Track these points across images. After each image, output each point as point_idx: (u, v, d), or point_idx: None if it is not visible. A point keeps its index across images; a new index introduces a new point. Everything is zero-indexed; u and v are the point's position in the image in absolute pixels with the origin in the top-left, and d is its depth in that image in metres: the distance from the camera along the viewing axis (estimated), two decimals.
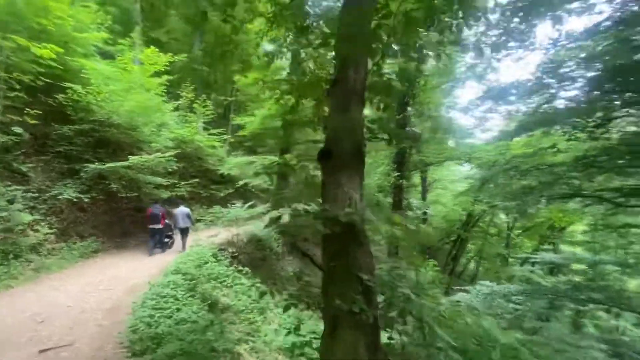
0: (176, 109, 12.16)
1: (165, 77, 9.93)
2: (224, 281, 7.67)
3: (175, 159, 10.16)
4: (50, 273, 6.79)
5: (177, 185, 10.78)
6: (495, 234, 18.91)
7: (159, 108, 10.28)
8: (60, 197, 7.89)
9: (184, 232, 9.30)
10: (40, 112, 7.65)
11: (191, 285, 6.12)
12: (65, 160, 8.72)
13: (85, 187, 8.55)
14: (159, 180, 9.61)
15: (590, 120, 5.63)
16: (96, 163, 8.37)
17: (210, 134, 14.44)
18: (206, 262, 7.81)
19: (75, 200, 8.10)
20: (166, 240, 9.48)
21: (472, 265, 19.92)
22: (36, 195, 7.55)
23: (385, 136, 3.08)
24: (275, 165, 12.68)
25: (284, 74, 18.38)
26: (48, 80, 7.74)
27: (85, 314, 5.12)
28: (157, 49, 9.51)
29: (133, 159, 8.54)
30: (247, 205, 10.15)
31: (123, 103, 9.07)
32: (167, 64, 9.92)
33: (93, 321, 4.80)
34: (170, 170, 10.67)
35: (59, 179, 8.40)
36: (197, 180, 12.56)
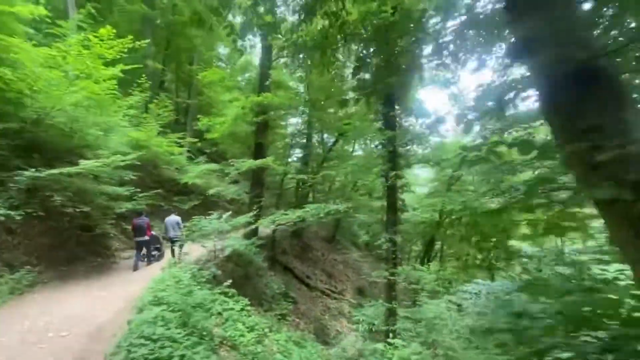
0: (131, 107, 10.26)
1: (121, 66, 8.21)
2: (211, 308, 6.37)
3: (136, 162, 8.46)
4: None
5: (136, 196, 9.00)
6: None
7: (112, 103, 8.47)
8: None
9: (174, 242, 8.69)
10: None
11: (182, 319, 4.75)
12: None
13: (14, 202, 6.56)
14: (119, 190, 7.82)
15: None
16: (32, 170, 6.46)
17: (169, 140, 12.63)
18: (188, 286, 6.38)
19: (1, 219, 6.12)
20: (154, 252, 8.89)
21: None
22: None
23: None
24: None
25: (248, 75, 17.08)
26: None
27: None
28: (113, 29, 7.74)
29: (85, 164, 6.75)
30: (225, 215, 8.79)
31: (66, 95, 7.23)
32: (124, 51, 8.18)
33: None
34: (126, 178, 8.85)
35: None
36: (157, 191, 10.75)
